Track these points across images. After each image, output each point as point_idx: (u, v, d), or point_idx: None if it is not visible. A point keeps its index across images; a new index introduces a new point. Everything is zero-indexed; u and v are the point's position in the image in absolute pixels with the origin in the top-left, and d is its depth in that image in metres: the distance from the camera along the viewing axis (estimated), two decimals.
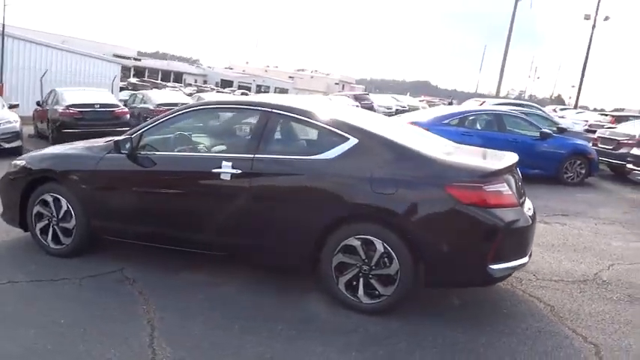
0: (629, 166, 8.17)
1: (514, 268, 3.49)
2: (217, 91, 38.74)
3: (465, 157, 3.68)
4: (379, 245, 3.39)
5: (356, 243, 3.46)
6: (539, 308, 3.83)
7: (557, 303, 3.92)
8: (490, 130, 9.17)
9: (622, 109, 52.06)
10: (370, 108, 30.15)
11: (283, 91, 61.36)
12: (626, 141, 10.42)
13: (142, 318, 3.35)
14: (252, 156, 3.70)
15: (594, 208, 7.67)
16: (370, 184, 3.40)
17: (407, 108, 34.19)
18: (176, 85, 50.73)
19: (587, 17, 29.80)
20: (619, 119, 16.97)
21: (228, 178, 3.70)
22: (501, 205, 3.35)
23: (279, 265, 3.87)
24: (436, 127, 8.64)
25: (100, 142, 4.56)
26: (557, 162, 9.27)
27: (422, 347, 3.15)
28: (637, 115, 18.52)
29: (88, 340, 3.03)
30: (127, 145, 3.96)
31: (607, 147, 10.76)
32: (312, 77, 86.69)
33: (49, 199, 4.28)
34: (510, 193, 3.45)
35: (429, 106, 39.40)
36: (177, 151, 4.16)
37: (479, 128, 9.29)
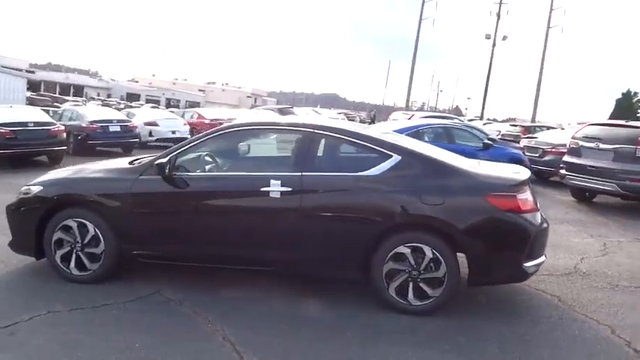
0: (562, 171, 9.28)
1: (539, 265, 4.01)
2: (126, 105, 37.16)
3: (492, 170, 4.17)
4: (428, 251, 3.76)
5: (406, 250, 3.79)
6: (549, 299, 4.39)
7: (560, 294, 4.51)
8: (441, 142, 9.94)
9: (514, 119, 56.91)
10: None
11: (195, 104, 60.00)
12: (549, 149, 11.78)
13: (215, 336, 3.42)
14: (300, 174, 3.91)
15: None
16: (419, 196, 3.77)
17: None
18: (78, 99, 47.73)
19: (487, 37, 32.82)
20: (527, 130, 18.90)
21: (278, 196, 3.87)
22: (529, 210, 3.87)
23: (331, 276, 4.09)
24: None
25: (123, 162, 4.51)
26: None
27: (478, 340, 3.55)
28: (542, 125, 20.74)
29: None
30: (167, 167, 3.98)
31: (533, 155, 12.06)
32: (223, 90, 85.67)
33: (73, 224, 4.15)
34: (532, 199, 3.98)
35: (347, 118, 40.87)
36: (220, 172, 4.25)
37: (428, 140, 10.05)
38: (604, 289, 4.75)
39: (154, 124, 16.76)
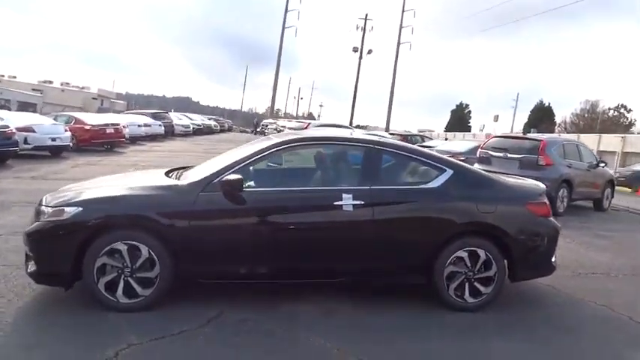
0: None
1: (556, 260, 4.75)
2: None
3: (517, 182, 4.82)
4: (482, 254, 4.25)
5: (464, 254, 4.24)
6: (548, 289, 5.14)
7: (552, 284, 5.31)
8: None
9: (365, 127, 61.33)
10: (171, 127, 29.37)
11: (30, 105, 53.41)
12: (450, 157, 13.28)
13: (330, 350, 3.48)
14: (369, 187, 4.12)
15: None
16: (476, 205, 4.24)
17: (202, 127, 34.29)
18: None
19: (355, 49, 35.15)
20: (405, 139, 20.82)
21: (351, 209, 4.03)
22: (550, 214, 4.59)
23: (400, 282, 4.34)
24: None
25: (161, 176, 4.26)
26: None
27: (530, 327, 4.14)
28: (416, 134, 22.93)
29: None
30: (236, 184, 3.88)
31: None
32: (63, 90, 77.43)
33: (122, 247, 3.80)
34: None
35: (219, 124, 40.21)
36: (287, 186, 4.23)
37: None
38: (574, 277, 5.73)
39: (30, 129, 14.86)
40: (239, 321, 3.86)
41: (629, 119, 56.03)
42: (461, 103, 66.74)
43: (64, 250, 3.79)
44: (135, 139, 23.01)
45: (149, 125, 25.17)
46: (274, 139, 4.41)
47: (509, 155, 10.11)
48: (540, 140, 10.07)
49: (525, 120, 56.76)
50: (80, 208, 3.83)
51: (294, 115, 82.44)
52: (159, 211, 3.88)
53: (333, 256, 4.11)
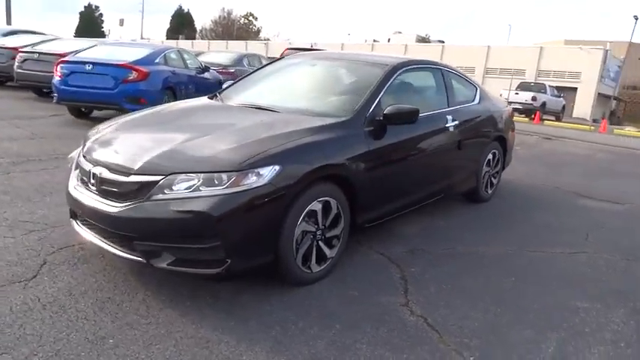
0: None
1: None
2: None
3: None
4: (497, 154, 5.37)
5: (490, 157, 5.24)
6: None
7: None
8: (179, 67, 9.65)
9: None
10: None
11: None
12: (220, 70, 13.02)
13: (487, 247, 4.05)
14: (455, 108, 4.53)
15: None
16: (497, 115, 5.23)
17: None
18: None
19: None
20: None
21: (453, 130, 4.40)
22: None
23: (466, 191, 4.94)
24: (153, 66, 8.58)
25: (300, 117, 3.50)
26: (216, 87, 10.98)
27: (531, 201, 5.59)
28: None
29: None
30: (416, 115, 3.64)
31: None
32: None
33: (318, 207, 3.13)
34: None
35: None
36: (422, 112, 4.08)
37: (176, 65, 9.51)
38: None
39: None
40: (409, 252, 3.85)
41: (257, 27, 63.42)
42: (89, 5, 60.00)
43: (269, 226, 2.86)
44: None
45: None
46: (387, 63, 4.07)
47: None
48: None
49: (167, 26, 56.53)
50: (277, 167, 2.86)
51: None
52: (347, 156, 3.29)
53: (445, 175, 4.46)
